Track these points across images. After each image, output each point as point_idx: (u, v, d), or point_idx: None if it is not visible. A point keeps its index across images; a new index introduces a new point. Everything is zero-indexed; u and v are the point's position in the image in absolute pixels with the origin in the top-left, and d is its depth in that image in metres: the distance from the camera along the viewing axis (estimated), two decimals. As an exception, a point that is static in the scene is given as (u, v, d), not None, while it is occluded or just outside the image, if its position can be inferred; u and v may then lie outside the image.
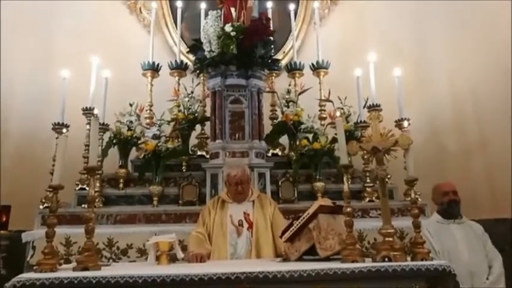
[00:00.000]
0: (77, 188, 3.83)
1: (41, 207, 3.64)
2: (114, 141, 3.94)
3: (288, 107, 4.27)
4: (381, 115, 2.45)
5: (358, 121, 4.12)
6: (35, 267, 2.10)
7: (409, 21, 4.99)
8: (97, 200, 3.58)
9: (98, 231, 2.39)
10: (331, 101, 4.30)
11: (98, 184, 3.68)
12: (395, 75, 4.09)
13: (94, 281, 1.93)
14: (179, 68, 4.50)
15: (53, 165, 2.96)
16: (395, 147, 2.29)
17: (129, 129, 3.97)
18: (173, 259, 2.56)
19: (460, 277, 2.95)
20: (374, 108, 3.86)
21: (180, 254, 2.59)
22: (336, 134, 2.81)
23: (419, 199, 3.54)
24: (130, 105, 4.10)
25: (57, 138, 3.64)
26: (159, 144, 3.80)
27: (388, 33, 5.00)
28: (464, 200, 3.32)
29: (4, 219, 3.58)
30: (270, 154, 4.20)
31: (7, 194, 3.91)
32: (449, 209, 3.21)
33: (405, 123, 3.91)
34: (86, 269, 2.03)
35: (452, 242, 3.10)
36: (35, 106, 4.51)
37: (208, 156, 3.96)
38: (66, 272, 2.01)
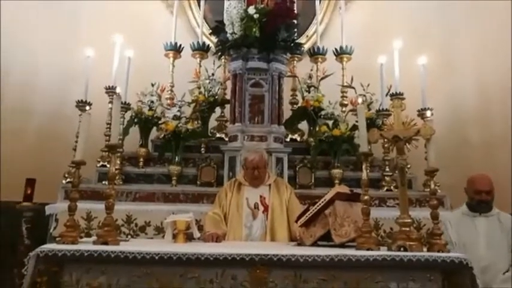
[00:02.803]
0: (98, 165, 3.92)
1: (64, 182, 3.75)
2: (135, 120, 3.99)
3: (309, 92, 4.23)
4: (404, 103, 2.40)
5: (380, 109, 4.05)
6: (57, 239, 2.18)
7: (436, 7, 4.83)
8: (117, 178, 3.64)
9: (117, 207, 2.44)
10: (353, 88, 4.24)
11: (118, 162, 3.74)
12: (420, 64, 3.98)
13: (113, 255, 1.99)
14: (201, 50, 4.50)
15: (76, 142, 3.03)
16: (417, 136, 2.25)
17: (150, 109, 4.01)
18: (189, 238, 2.61)
19: None
20: (397, 96, 3.78)
21: (197, 233, 2.64)
22: (356, 121, 2.78)
23: (438, 190, 3.48)
24: (152, 85, 4.13)
25: (80, 115, 3.72)
26: (179, 125, 3.84)
27: (414, 19, 4.86)
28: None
29: (29, 191, 3.70)
30: (288, 139, 4.18)
31: (33, 168, 4.04)
32: (477, 207, 3.17)
33: (428, 113, 3.83)
34: (105, 243, 2.10)
35: (471, 235, 3.06)
36: (61, 84, 4.60)
37: (227, 139, 3.97)
38: (86, 245, 2.08)
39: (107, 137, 3.85)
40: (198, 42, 4.52)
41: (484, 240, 3.04)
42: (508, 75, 4.38)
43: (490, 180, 3.19)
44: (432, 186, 2.28)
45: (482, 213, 3.14)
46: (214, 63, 4.39)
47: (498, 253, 3.03)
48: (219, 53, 4.17)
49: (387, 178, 3.89)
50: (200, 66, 4.46)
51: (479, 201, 3.14)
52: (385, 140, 2.36)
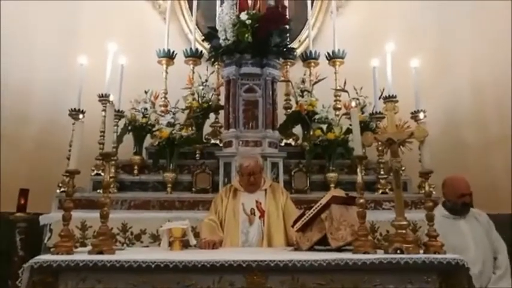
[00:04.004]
0: (93, 174, 3.90)
1: (58, 191, 3.72)
2: (129, 128, 3.98)
3: (303, 96, 4.25)
4: (397, 106, 2.42)
5: (374, 112, 4.08)
6: (52, 249, 2.15)
7: (430, 9, 4.85)
8: (112, 186, 3.63)
9: (112, 216, 2.43)
10: (346, 91, 4.26)
11: (113, 170, 3.74)
12: (413, 67, 4.01)
13: (108, 265, 1.97)
14: (194, 56, 4.50)
15: (70, 151, 3.01)
16: (411, 139, 2.26)
17: (144, 116, 4.00)
18: (186, 245, 2.60)
19: None
20: (390, 99, 3.80)
21: (193, 241, 2.62)
22: (350, 124, 2.79)
23: (433, 192, 3.49)
24: (146, 92, 4.13)
25: (73, 124, 3.70)
26: (173, 132, 3.83)
27: (408, 21, 4.89)
28: (483, 194, 3.23)
29: (23, 202, 3.66)
30: (283, 144, 4.19)
31: (26, 178, 4.00)
32: (462, 210, 3.13)
33: (421, 115, 3.85)
34: (100, 252, 2.08)
35: (459, 238, 3.01)
36: (56, 92, 4.56)
37: (221, 145, 3.97)
38: (81, 255, 2.06)
39: (101, 145, 3.83)
40: (190, 48, 4.53)
41: (472, 241, 3.02)
42: (503, 76, 4.38)
43: (468, 182, 3.19)
44: (427, 188, 2.28)
45: (463, 215, 3.14)
46: (207, 69, 4.41)
47: (485, 251, 3.02)
48: (212, 59, 4.18)
49: (382, 181, 3.90)
50: (193, 72, 4.46)
51: (464, 204, 3.13)
52: (379, 143, 2.37)
